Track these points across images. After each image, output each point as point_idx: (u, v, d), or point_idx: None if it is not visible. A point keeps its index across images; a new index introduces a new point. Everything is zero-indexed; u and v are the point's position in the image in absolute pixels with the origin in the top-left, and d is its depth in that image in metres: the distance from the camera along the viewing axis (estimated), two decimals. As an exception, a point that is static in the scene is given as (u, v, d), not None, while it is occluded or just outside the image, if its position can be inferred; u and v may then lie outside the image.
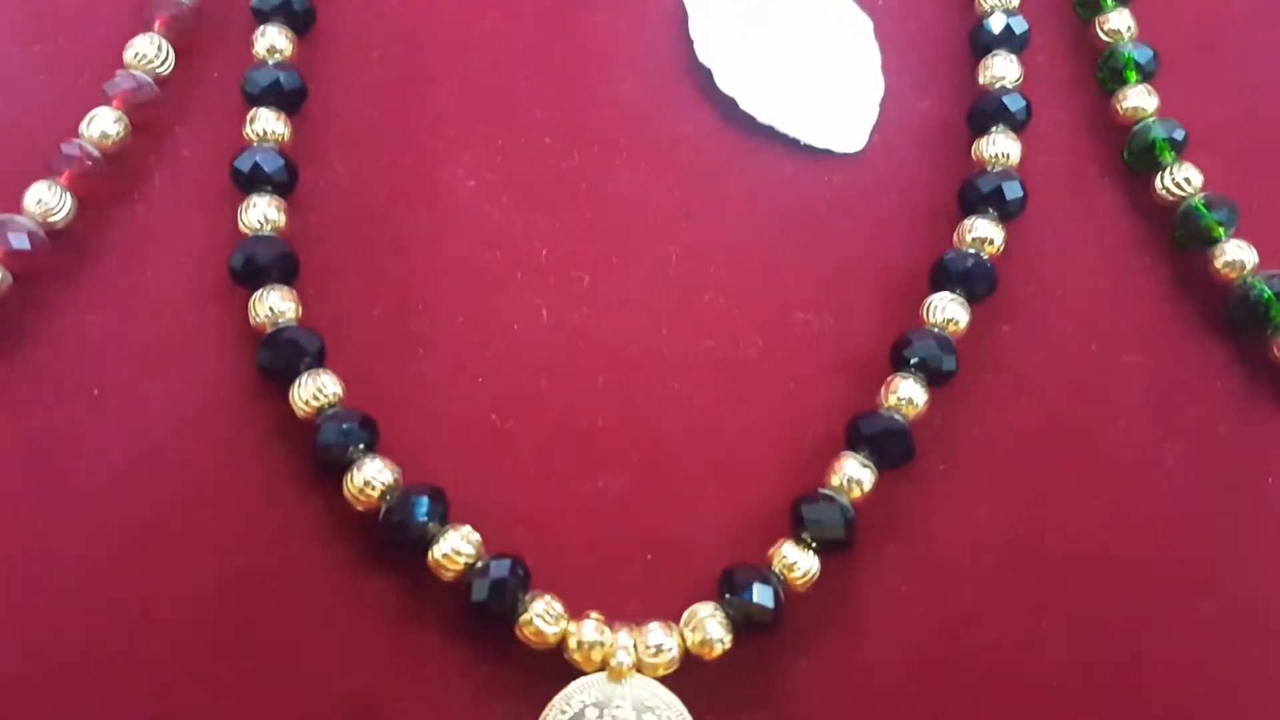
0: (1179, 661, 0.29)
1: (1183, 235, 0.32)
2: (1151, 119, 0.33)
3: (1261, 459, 0.31)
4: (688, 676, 0.28)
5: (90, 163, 0.31)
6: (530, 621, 0.27)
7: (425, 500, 0.28)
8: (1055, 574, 0.29)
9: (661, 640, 0.27)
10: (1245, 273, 0.32)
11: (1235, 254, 0.32)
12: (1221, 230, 0.32)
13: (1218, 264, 0.32)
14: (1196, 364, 0.32)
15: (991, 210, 0.31)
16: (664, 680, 0.27)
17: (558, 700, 0.27)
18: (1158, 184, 0.33)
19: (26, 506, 0.29)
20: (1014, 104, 0.33)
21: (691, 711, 0.27)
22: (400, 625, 0.28)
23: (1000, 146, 0.32)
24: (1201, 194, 0.32)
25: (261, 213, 0.30)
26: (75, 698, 0.28)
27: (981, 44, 0.34)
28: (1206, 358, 0.32)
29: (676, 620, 0.28)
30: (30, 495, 0.29)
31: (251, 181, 0.30)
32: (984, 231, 0.31)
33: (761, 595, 0.27)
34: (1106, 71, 0.34)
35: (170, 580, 0.28)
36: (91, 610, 0.28)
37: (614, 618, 0.28)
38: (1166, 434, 0.31)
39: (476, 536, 0.28)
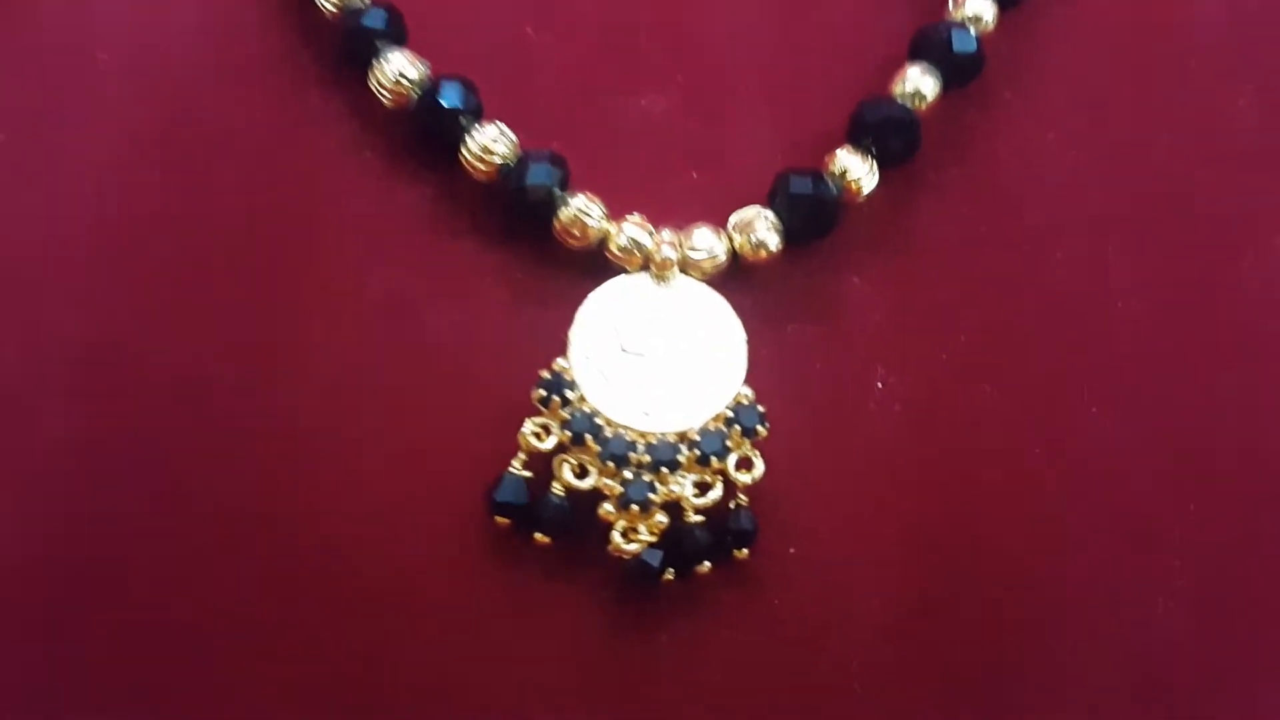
0: (1247, 299, 0.28)
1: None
2: None
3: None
4: (735, 283, 0.26)
5: None
6: (573, 216, 0.26)
7: (458, 87, 0.26)
8: (1121, 202, 0.28)
9: (708, 240, 0.26)
10: (1328, -89, 0.30)
11: (1317, -108, 0.30)
12: None
13: (1298, -97, 0.30)
14: (1270, 11, 0.30)
15: None
16: (710, 284, 0.26)
17: (596, 295, 0.26)
18: None
19: (44, 116, 0.27)
20: None
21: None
22: (434, 231, 0.27)
23: None
24: None
25: None
26: (88, 291, 0.26)
27: None
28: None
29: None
30: (48, 104, 0.27)
31: None
32: None
33: (816, 190, 0.26)
34: None
35: (194, 188, 0.27)
36: (108, 213, 0.27)
37: (658, 224, 0.26)
38: (1236, 78, 0.29)
39: (512, 134, 0.26)
